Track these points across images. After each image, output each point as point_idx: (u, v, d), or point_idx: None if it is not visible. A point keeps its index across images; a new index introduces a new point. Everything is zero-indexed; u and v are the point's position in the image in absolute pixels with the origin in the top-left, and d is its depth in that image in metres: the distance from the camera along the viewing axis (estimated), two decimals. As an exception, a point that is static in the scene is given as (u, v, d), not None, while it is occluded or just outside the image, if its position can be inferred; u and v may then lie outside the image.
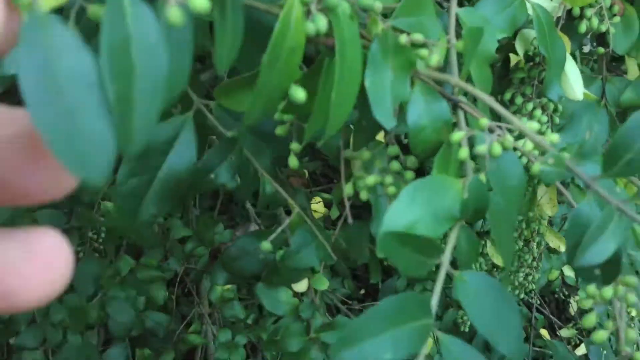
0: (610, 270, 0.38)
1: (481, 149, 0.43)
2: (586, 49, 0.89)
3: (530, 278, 0.93)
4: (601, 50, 0.72)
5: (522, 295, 0.94)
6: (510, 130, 0.43)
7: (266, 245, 0.49)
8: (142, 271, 0.87)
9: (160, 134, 0.50)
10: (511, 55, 0.67)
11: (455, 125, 0.45)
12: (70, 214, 0.87)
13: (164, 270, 0.88)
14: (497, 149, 0.43)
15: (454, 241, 0.42)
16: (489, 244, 0.90)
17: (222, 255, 0.60)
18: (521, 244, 0.87)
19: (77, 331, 0.81)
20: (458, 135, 0.44)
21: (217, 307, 0.92)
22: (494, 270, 0.93)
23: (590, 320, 0.42)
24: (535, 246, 0.88)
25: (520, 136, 0.45)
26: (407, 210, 0.41)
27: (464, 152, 0.43)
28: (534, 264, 0.90)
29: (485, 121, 0.43)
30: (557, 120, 0.64)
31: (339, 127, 0.38)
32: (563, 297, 1.35)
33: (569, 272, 1.24)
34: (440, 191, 0.43)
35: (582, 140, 0.39)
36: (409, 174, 0.47)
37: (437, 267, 0.42)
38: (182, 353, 1.07)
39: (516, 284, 0.91)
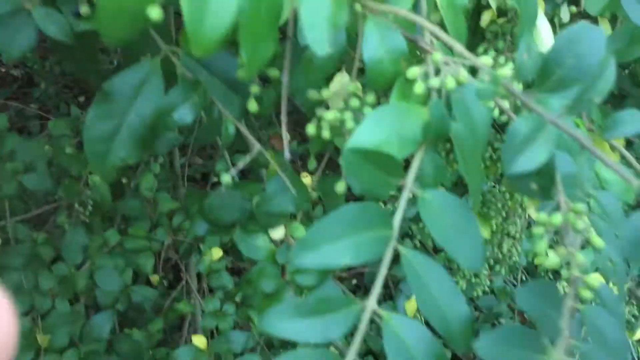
0: (545, 183, 0.39)
1: (435, 82, 0.44)
2: (565, 18, 0.90)
3: (513, 250, 0.94)
4: (574, 9, 0.73)
5: (504, 271, 0.95)
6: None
7: (226, 177, 0.50)
8: (129, 241, 0.88)
9: (129, 78, 0.51)
10: (484, 12, 0.69)
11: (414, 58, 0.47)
12: (57, 186, 0.88)
13: (151, 239, 0.89)
14: (451, 83, 0.44)
15: (418, 163, 0.44)
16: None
17: (202, 206, 0.62)
18: (504, 215, 0.89)
19: (66, 298, 0.83)
20: (413, 71, 0.45)
21: (205, 278, 0.93)
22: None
23: (541, 246, 0.43)
24: (518, 219, 0.89)
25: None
26: (374, 130, 0.42)
27: (420, 87, 0.44)
28: (517, 235, 0.91)
29: (438, 55, 0.45)
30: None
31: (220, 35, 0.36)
32: (550, 279, 1.35)
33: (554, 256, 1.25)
34: (405, 116, 0.44)
35: (521, 61, 0.40)
36: (368, 110, 0.48)
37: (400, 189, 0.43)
38: (170, 325, 1.07)
39: (500, 256, 0.93)
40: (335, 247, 0.38)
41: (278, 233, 0.61)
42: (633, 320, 1.35)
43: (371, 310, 0.39)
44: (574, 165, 0.49)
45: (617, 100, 1.54)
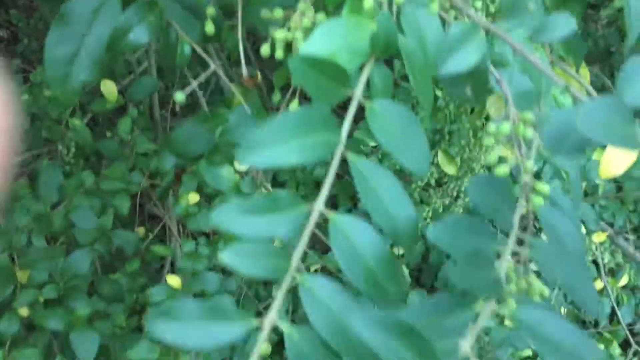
0: (478, 88, 0.41)
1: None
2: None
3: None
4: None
5: (461, 210, 0.98)
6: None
7: (180, 96, 0.51)
8: (105, 182, 0.89)
9: (86, 1, 0.52)
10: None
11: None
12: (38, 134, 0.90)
13: (129, 182, 0.91)
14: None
15: (367, 75, 0.45)
16: (440, 154, 0.93)
17: (168, 138, 0.63)
18: (469, 152, 0.91)
19: (42, 235, 0.84)
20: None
21: (183, 220, 0.95)
22: (444, 178, 0.97)
23: (493, 157, 0.44)
24: (482, 155, 0.91)
25: None
26: (324, 41, 0.44)
27: (368, 2, 0.45)
28: (482, 171, 0.93)
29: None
30: (491, 9, 0.66)
31: None
32: (535, 230, 1.37)
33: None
34: (355, 28, 0.45)
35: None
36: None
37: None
38: (154, 275, 1.09)
39: (462, 189, 0.95)
40: (282, 147, 0.39)
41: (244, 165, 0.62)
42: (616, 268, 1.38)
43: (318, 212, 0.41)
44: (529, 82, 0.51)
45: (604, 55, 1.54)
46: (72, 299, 0.87)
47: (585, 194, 1.23)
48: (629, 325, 1.33)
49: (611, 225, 1.36)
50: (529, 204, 0.44)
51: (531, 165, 0.45)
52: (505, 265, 0.39)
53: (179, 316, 0.38)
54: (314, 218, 0.41)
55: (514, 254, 0.41)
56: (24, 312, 0.84)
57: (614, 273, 1.37)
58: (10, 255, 0.86)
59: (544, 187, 0.44)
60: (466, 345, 0.34)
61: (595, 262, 1.29)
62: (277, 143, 0.39)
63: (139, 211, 1.24)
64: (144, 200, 1.25)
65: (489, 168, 0.96)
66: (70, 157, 0.92)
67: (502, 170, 0.44)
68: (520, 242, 0.41)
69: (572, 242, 0.42)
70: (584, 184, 1.23)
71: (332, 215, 0.41)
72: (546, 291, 0.43)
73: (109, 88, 0.93)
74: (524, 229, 0.41)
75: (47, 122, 0.90)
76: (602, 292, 1.32)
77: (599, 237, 1.24)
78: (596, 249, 1.23)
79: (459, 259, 0.37)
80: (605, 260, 1.33)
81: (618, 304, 1.34)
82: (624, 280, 1.34)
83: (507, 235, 0.41)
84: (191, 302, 0.39)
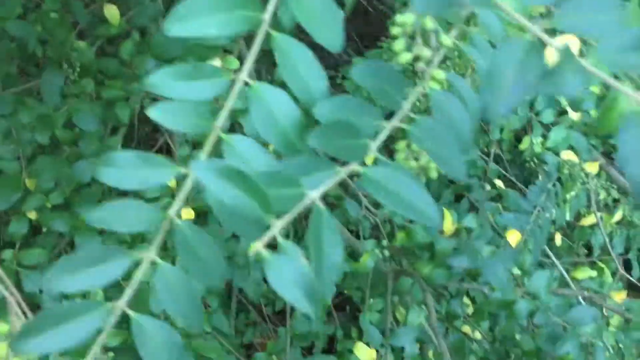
0: None
1: None
2: None
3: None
4: None
5: None
6: None
7: None
8: (106, 90, 0.96)
9: None
10: None
11: None
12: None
13: (130, 92, 0.97)
14: None
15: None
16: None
17: (150, 44, 0.69)
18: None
19: (46, 133, 0.92)
20: None
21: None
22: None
23: (398, 45, 0.49)
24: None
25: None
26: None
27: None
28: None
29: None
30: None
31: None
32: (534, 165, 1.39)
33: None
34: None
35: None
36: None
37: None
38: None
39: None
40: (207, 19, 0.45)
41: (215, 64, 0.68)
42: (612, 204, 1.41)
43: (242, 80, 0.47)
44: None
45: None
46: (77, 206, 0.95)
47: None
48: (620, 254, 1.36)
49: (612, 160, 1.37)
50: (424, 88, 0.49)
51: (428, 53, 0.49)
52: (381, 137, 0.44)
53: (119, 164, 0.45)
54: (238, 85, 0.47)
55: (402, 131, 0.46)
56: (32, 215, 0.93)
57: (610, 209, 1.40)
58: (19, 164, 0.94)
59: (439, 73, 0.49)
60: (315, 194, 0.40)
61: (588, 195, 1.31)
62: (202, 15, 0.45)
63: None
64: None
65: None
66: (76, 75, 0.98)
67: (405, 57, 0.49)
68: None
69: (460, 124, 0.47)
70: (577, 114, 1.26)
71: (253, 82, 0.47)
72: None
73: (112, 12, 0.99)
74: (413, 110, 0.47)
75: (53, 43, 0.96)
76: (595, 225, 1.35)
77: (590, 167, 1.27)
78: (587, 176, 1.25)
79: (325, 127, 0.43)
80: (601, 197, 1.35)
81: (612, 239, 1.37)
82: (618, 216, 1.37)
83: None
84: (128, 153, 0.46)
